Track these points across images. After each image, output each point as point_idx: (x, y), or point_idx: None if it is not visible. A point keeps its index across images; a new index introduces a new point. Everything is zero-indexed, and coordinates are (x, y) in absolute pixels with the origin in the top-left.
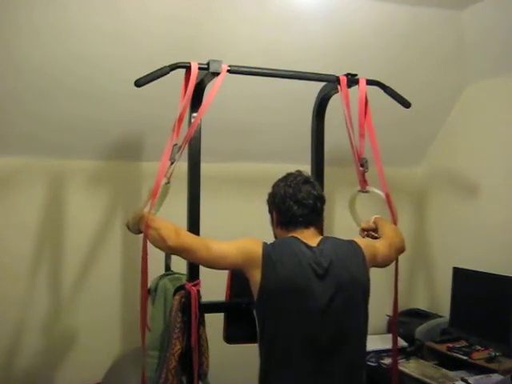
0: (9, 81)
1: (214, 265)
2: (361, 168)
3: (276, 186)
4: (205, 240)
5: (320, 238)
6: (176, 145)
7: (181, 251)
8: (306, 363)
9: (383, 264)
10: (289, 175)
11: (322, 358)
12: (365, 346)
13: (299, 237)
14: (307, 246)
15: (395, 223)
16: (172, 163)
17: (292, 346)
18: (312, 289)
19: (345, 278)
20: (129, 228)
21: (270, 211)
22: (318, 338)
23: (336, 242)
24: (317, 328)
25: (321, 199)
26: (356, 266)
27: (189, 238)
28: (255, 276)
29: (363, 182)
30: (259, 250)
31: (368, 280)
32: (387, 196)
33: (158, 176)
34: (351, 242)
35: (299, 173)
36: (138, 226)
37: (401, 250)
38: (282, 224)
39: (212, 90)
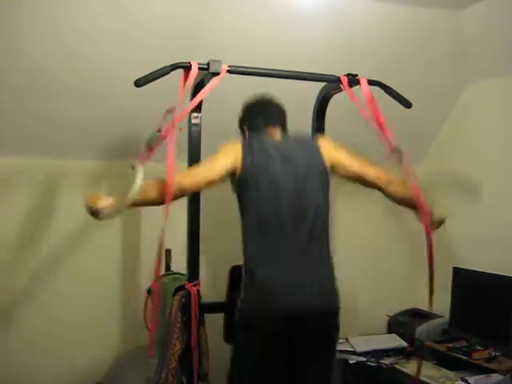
0: (9, 80)
1: (212, 176)
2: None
3: (245, 105)
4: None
5: (283, 135)
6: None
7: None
8: (275, 231)
9: (347, 172)
10: (252, 97)
11: (288, 224)
12: (327, 219)
13: (267, 134)
14: (273, 140)
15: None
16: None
17: (264, 216)
18: (277, 170)
19: (303, 163)
20: (96, 211)
21: (241, 127)
22: (283, 210)
23: (298, 137)
24: (283, 201)
25: (281, 105)
26: (313, 157)
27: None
28: (238, 163)
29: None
30: (238, 144)
31: (326, 169)
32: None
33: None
34: (314, 140)
35: (260, 94)
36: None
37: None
38: (252, 129)
39: (206, 87)
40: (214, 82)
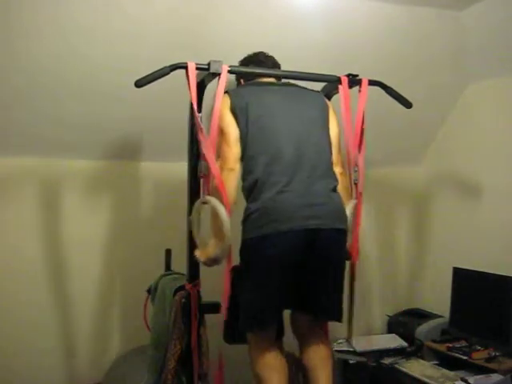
0: (11, 80)
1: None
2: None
3: (240, 61)
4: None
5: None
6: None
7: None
8: (277, 162)
9: None
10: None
11: (289, 154)
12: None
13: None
14: (269, 82)
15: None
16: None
17: (262, 148)
18: (273, 102)
19: (304, 100)
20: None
21: (238, 81)
22: (282, 141)
23: (297, 86)
24: (282, 131)
25: (274, 58)
26: (316, 98)
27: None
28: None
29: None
30: (226, 96)
31: (327, 110)
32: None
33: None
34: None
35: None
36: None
37: None
38: (247, 80)
39: (218, 93)
40: (221, 85)
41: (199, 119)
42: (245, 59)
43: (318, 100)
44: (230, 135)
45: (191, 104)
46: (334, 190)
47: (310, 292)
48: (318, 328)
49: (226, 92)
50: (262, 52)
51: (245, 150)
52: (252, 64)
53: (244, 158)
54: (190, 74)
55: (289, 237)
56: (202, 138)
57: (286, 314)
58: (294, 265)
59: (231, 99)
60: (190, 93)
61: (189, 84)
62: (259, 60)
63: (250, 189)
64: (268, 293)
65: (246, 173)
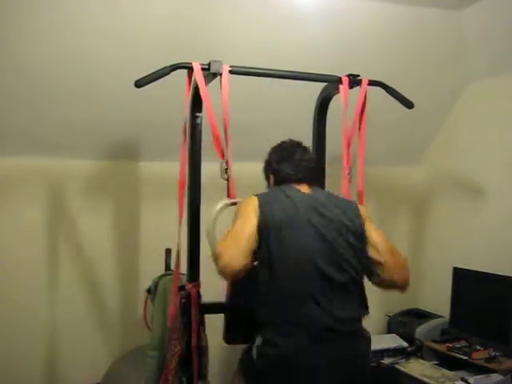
0: (9, 80)
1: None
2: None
3: (272, 152)
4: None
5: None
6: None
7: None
8: (298, 292)
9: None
10: (282, 143)
11: (314, 286)
12: (358, 277)
13: (293, 188)
14: (298, 191)
15: None
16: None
17: (284, 276)
18: (304, 223)
19: (338, 220)
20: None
21: (267, 177)
22: (309, 270)
23: (330, 193)
24: (310, 259)
25: (312, 160)
26: (351, 216)
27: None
28: (258, 217)
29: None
30: (254, 198)
31: (363, 233)
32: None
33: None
34: (350, 201)
35: (291, 140)
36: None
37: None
38: (277, 182)
39: (223, 93)
40: (224, 85)
41: (201, 120)
42: (276, 156)
43: (354, 214)
44: (248, 231)
45: (192, 104)
46: (361, 326)
47: None
48: None
49: (255, 196)
50: (297, 151)
51: (260, 269)
52: (282, 166)
53: (259, 279)
54: (196, 74)
55: None
56: (216, 135)
57: None
58: None
59: (259, 207)
60: (200, 93)
61: (188, 85)
62: (290, 163)
63: (259, 320)
64: None
65: (258, 296)
